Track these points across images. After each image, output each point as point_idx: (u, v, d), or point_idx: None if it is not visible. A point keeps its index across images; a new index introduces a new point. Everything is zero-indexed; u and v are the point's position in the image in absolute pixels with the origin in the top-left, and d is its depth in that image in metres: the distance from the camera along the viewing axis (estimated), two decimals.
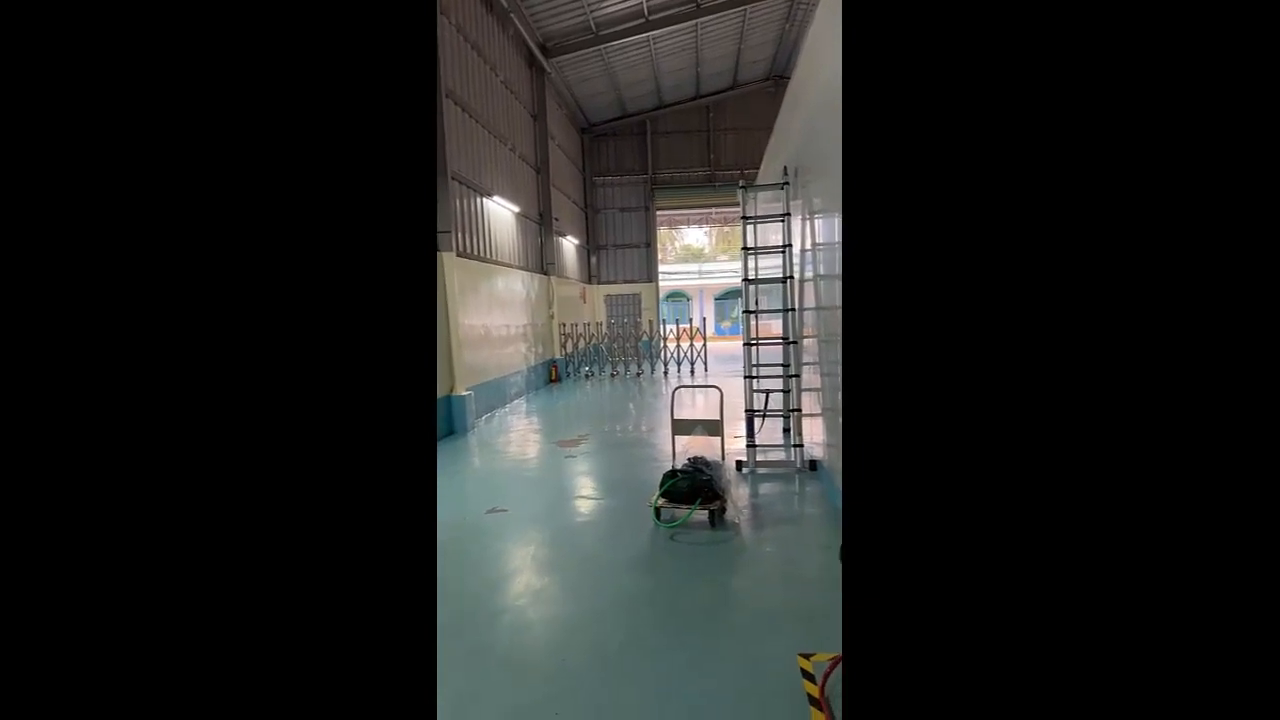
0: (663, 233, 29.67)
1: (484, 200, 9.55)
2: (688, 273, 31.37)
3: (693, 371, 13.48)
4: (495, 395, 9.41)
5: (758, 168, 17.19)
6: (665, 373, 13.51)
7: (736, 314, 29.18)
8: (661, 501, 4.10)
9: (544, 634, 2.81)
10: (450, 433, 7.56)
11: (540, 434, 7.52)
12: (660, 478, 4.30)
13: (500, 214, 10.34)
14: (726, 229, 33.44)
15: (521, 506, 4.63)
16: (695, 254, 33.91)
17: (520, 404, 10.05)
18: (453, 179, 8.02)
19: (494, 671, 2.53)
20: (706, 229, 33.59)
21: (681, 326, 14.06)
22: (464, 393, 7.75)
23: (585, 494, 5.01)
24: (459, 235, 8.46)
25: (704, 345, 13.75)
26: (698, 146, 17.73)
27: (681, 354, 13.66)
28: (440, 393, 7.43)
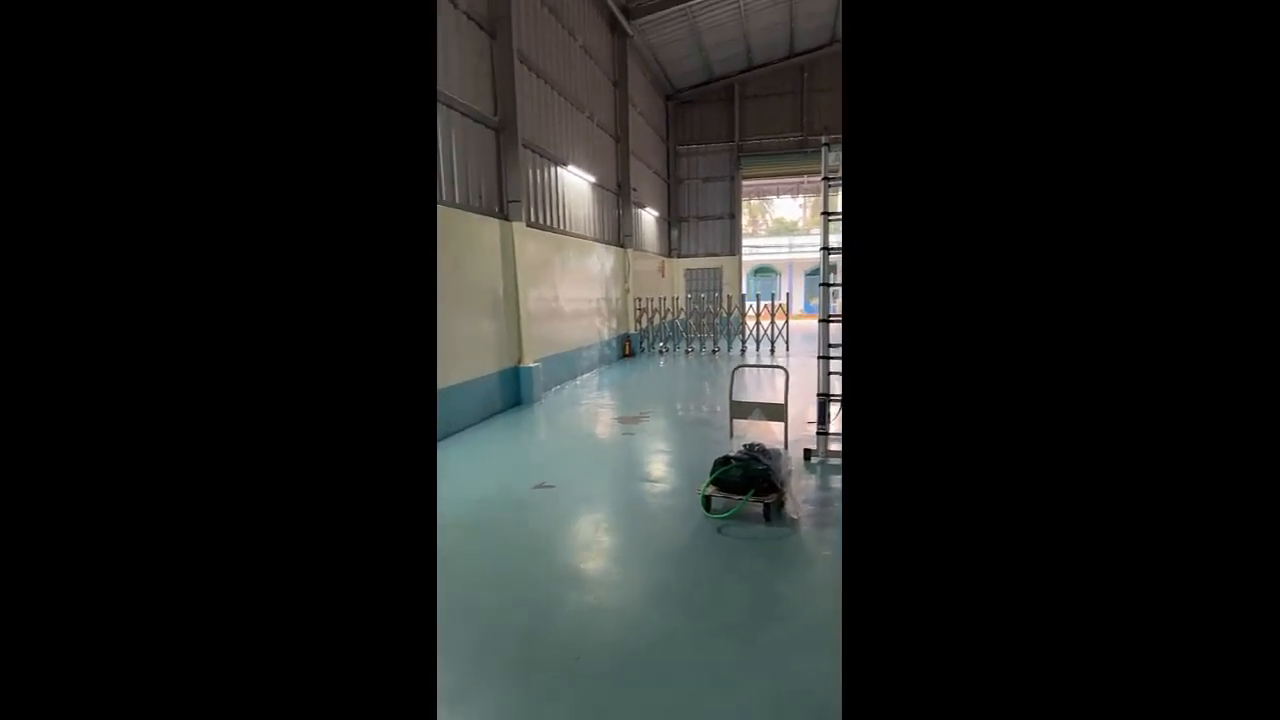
0: (753, 205, 28.47)
1: (558, 170, 9.41)
2: (777, 247, 29.89)
3: (772, 350, 12.80)
4: (565, 368, 9.39)
5: None
6: (743, 351, 12.94)
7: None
8: (712, 490, 3.76)
9: (560, 628, 2.61)
10: (517, 403, 7.61)
11: (604, 409, 7.38)
12: (712, 463, 3.96)
13: (575, 184, 10.18)
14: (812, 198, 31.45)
15: (570, 484, 4.48)
16: (788, 227, 32.24)
17: (591, 378, 9.99)
18: (524, 147, 7.92)
19: (492, 666, 2.36)
20: (800, 200, 31.83)
21: (765, 304, 13.32)
22: (532, 364, 7.75)
23: (636, 475, 4.77)
24: (530, 206, 8.39)
25: (786, 323, 12.98)
26: (789, 110, 16.58)
27: (761, 332, 12.99)
28: (508, 364, 7.47)
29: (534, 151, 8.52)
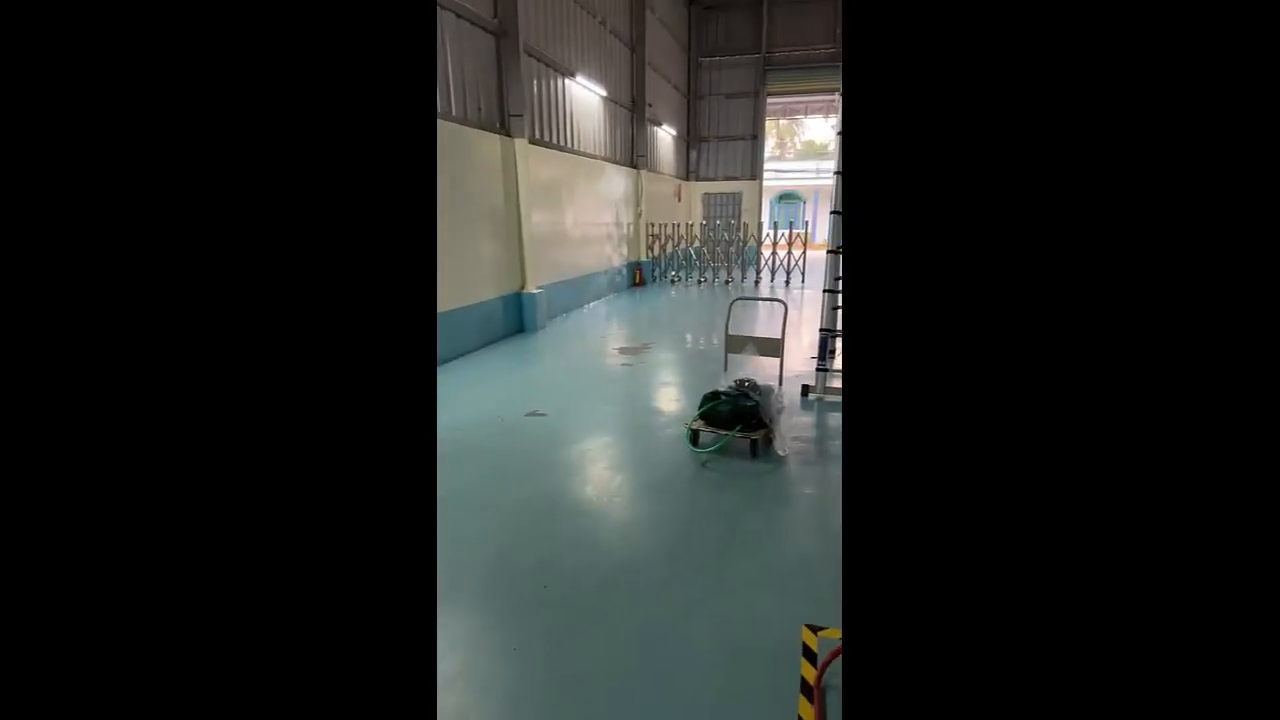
0: (781, 125, 26.74)
1: (565, 81, 8.81)
2: (804, 172, 28.33)
3: (788, 282, 12.42)
4: (572, 295, 9.24)
5: None
6: (757, 282, 12.59)
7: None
8: (699, 424, 3.71)
9: (530, 556, 2.64)
10: (519, 330, 7.55)
11: (607, 339, 7.29)
12: (700, 398, 3.88)
13: (584, 98, 9.57)
14: None
15: (562, 413, 4.47)
16: (818, 150, 30.36)
17: (598, 306, 9.84)
18: (526, 54, 7.37)
19: (461, 588, 2.40)
20: (833, 120, 29.88)
21: (793, 231, 12.68)
22: (535, 291, 7.61)
23: (630, 406, 4.73)
24: (534, 121, 7.92)
25: (804, 254, 12.49)
26: (823, 17, 15.14)
27: (778, 262, 12.55)
28: (511, 289, 7.34)
29: (538, 60, 7.94)
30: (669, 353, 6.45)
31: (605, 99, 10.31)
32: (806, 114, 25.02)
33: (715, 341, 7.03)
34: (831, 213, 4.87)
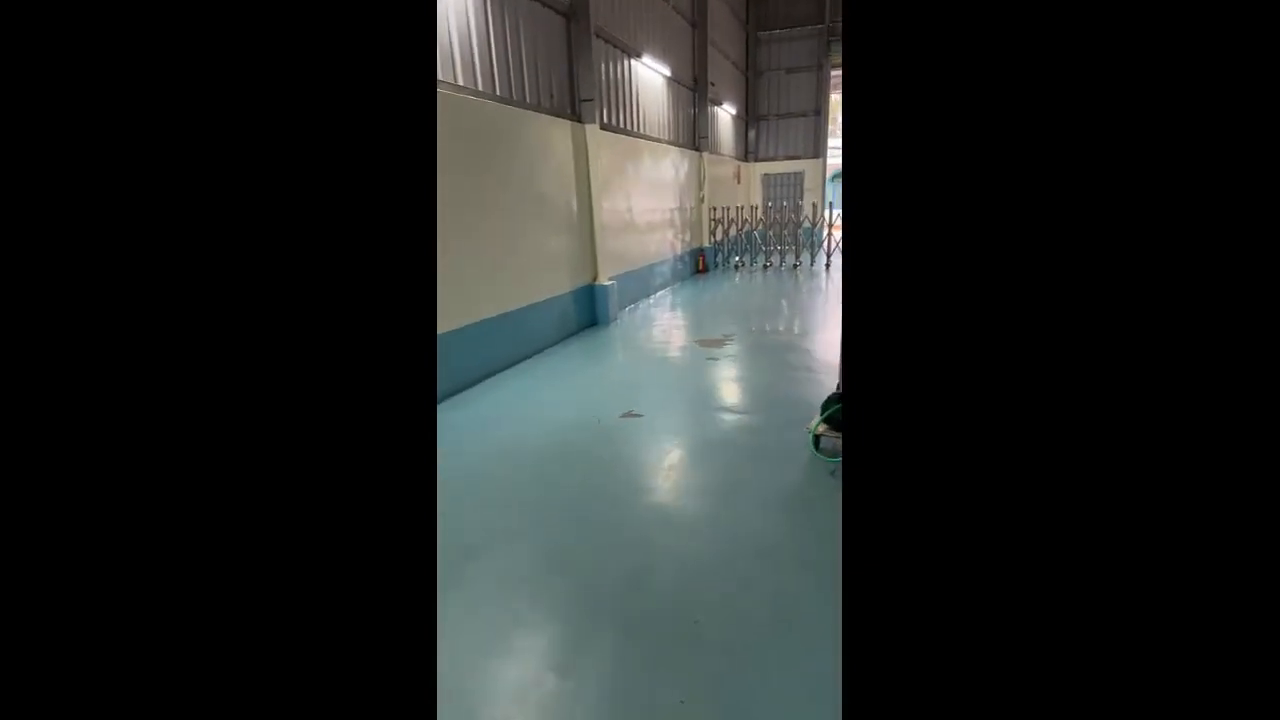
0: (833, 100, 25.48)
1: (632, 62, 8.48)
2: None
3: None
4: (639, 285, 8.99)
5: None
6: (828, 265, 11.99)
7: None
8: (823, 429, 3.38)
9: (666, 581, 2.40)
10: (593, 323, 7.35)
11: (683, 330, 7.00)
12: (823, 401, 3.55)
13: (649, 79, 9.21)
14: None
15: (658, 413, 4.23)
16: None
17: (664, 296, 9.55)
18: (596, 36, 7.07)
19: (593, 623, 2.19)
20: None
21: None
22: (606, 282, 7.39)
23: (727, 404, 4.44)
24: (603, 106, 7.64)
25: None
26: None
27: (833, 245, 11.89)
28: (583, 282, 7.14)
29: (606, 41, 7.64)
30: (751, 344, 6.10)
31: (669, 79, 9.91)
32: None
33: (797, 329, 6.64)
34: None
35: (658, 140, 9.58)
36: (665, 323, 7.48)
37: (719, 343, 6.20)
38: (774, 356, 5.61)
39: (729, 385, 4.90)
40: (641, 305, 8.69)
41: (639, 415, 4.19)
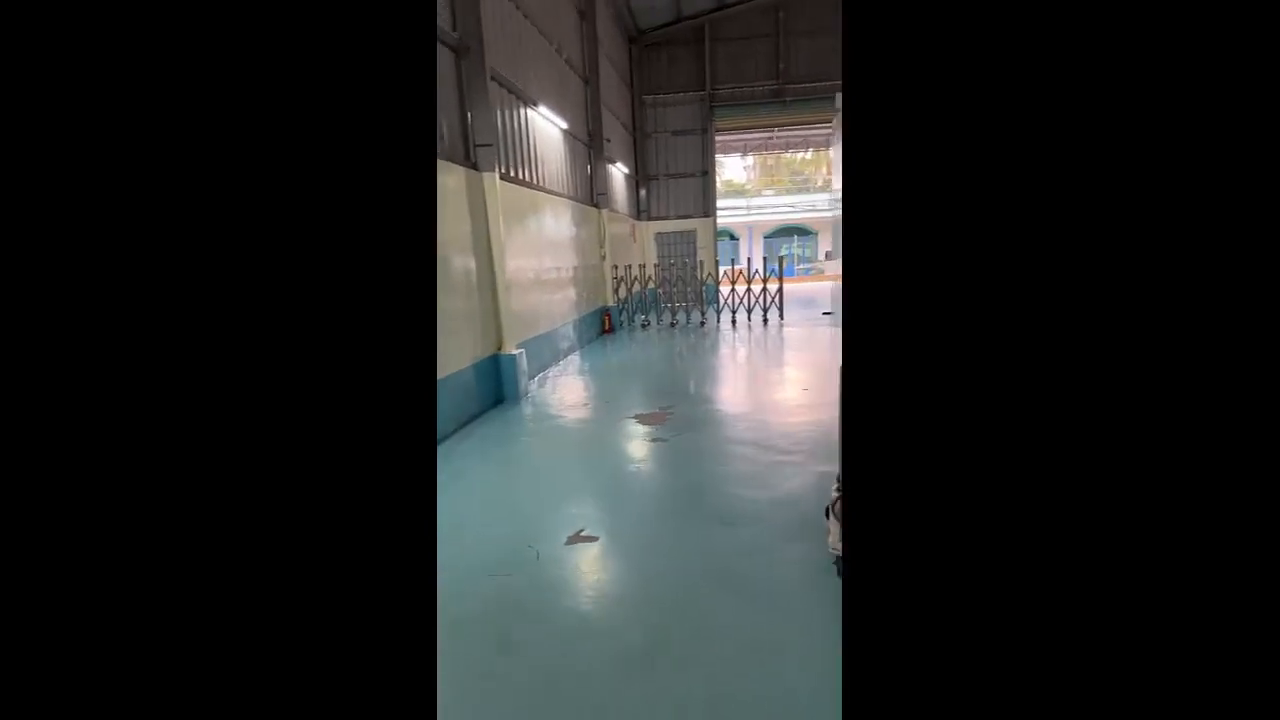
0: (719, 160, 27.02)
1: (529, 112, 7.77)
2: (735, 208, 28.73)
3: (765, 321, 11.74)
4: (546, 352, 7.98)
5: (832, 79, 14.65)
6: (734, 322, 11.83)
7: (785, 253, 26.60)
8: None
9: None
10: (499, 401, 6.18)
11: (609, 404, 6.06)
12: (828, 503, 2.78)
13: (547, 131, 8.55)
14: (781, 155, 30.63)
15: (616, 532, 3.21)
16: (737, 189, 31.08)
17: (573, 360, 8.61)
18: (492, 80, 6.27)
19: None
20: (749, 160, 30.73)
21: (736, 268, 12.29)
22: (514, 351, 6.31)
23: (704, 511, 3.49)
24: (503, 155, 6.78)
25: (780, 288, 11.90)
26: (765, 55, 15.17)
27: (738, 300, 11.84)
28: (486, 352, 6.00)
29: (503, 86, 6.87)
30: (698, 419, 5.32)
31: (566, 133, 9.35)
32: (744, 152, 25.36)
33: (742, 400, 5.99)
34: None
35: (557, 194, 8.87)
36: (587, 395, 6.50)
37: (660, 418, 5.34)
38: (731, 434, 4.84)
39: (695, 480, 3.99)
40: (552, 373, 7.65)
41: (592, 538, 3.14)
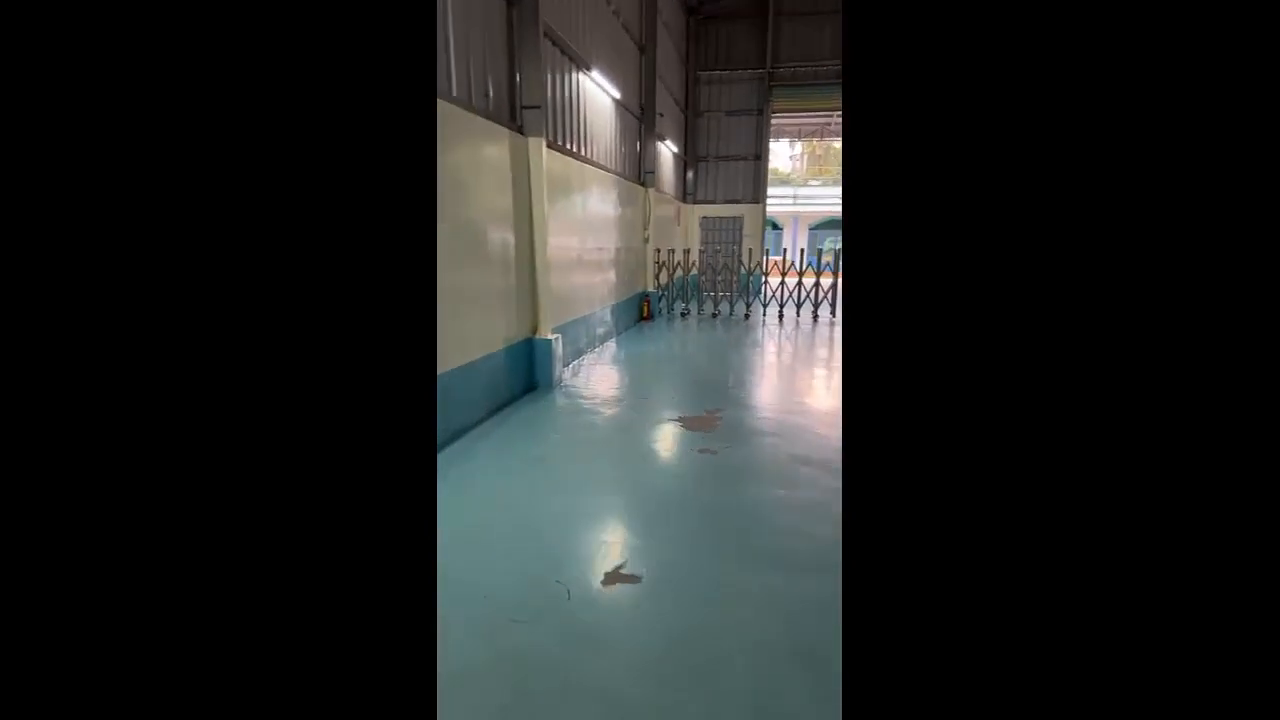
0: (773, 146, 25.94)
1: (581, 76, 7.17)
2: (780, 197, 27.57)
3: (815, 317, 10.99)
4: (583, 337, 7.47)
5: None
6: (781, 317, 11.11)
7: (827, 246, 25.34)
8: None
9: None
10: (531, 388, 5.71)
11: (650, 401, 5.52)
12: None
13: (599, 100, 7.94)
14: (833, 145, 29.27)
15: (662, 572, 2.67)
16: (783, 178, 29.82)
17: (609, 348, 8.09)
18: (545, 36, 5.69)
19: None
20: (797, 148, 29.47)
21: (776, 259, 11.59)
22: (549, 336, 5.81)
23: (768, 551, 2.92)
24: (551, 120, 6.22)
25: (835, 284, 11.09)
26: (830, 33, 14.14)
27: (787, 293, 11.06)
28: (521, 335, 5.52)
29: (556, 45, 6.28)
30: (751, 427, 4.73)
31: (618, 103, 8.72)
32: (800, 136, 24.21)
33: (798, 404, 5.35)
34: None
35: (604, 168, 8.27)
36: (623, 389, 5.97)
37: (708, 422, 4.77)
38: (792, 449, 4.25)
39: (754, 507, 3.39)
40: (587, 361, 7.15)
41: (634, 578, 2.62)
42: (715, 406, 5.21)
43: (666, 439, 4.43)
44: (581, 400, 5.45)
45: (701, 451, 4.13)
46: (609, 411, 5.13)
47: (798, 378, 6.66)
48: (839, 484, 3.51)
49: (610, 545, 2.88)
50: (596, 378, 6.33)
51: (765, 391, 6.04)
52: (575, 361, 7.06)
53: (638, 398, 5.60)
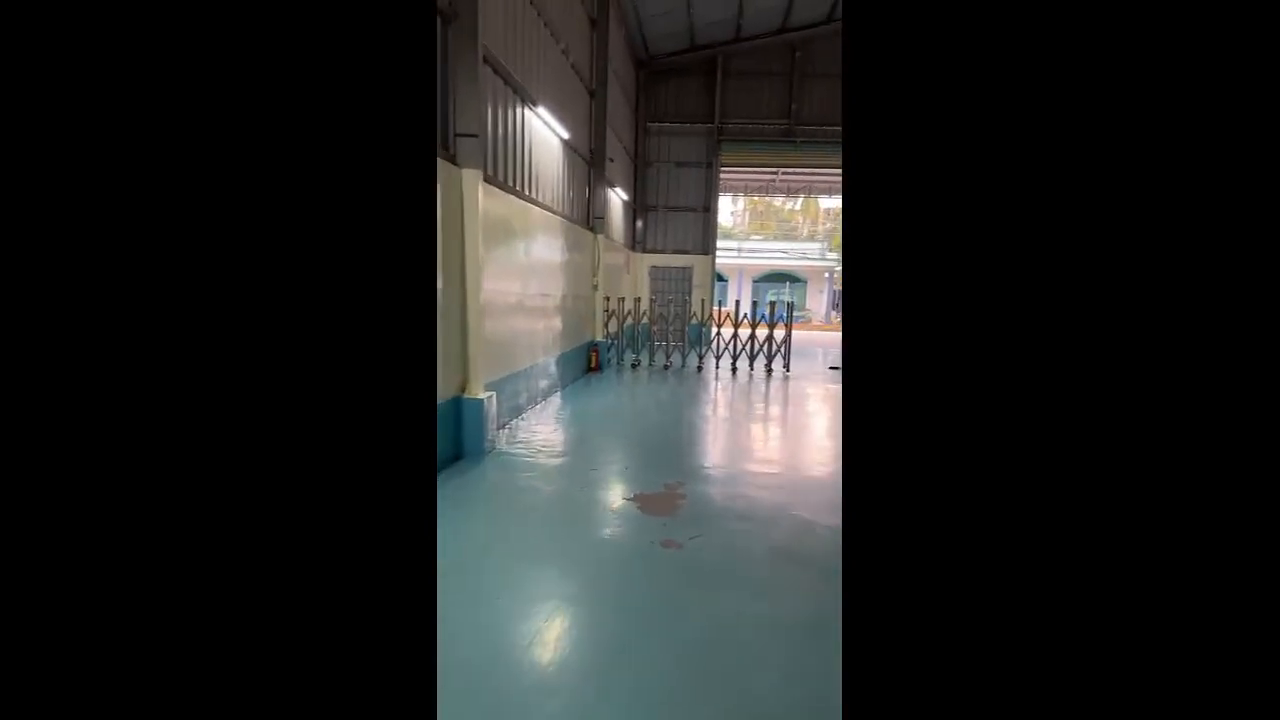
0: (721, 200, 26.50)
1: (526, 111, 6.63)
2: (725, 249, 28.03)
3: (769, 371, 10.60)
4: (522, 392, 6.64)
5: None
6: (734, 369, 10.65)
7: (774, 297, 25.84)
8: None
9: None
10: (457, 457, 4.79)
11: (598, 472, 4.72)
12: None
13: (545, 137, 7.43)
14: (772, 203, 30.40)
15: None
16: (726, 232, 30.62)
17: (554, 404, 7.27)
18: (485, 62, 5.12)
19: None
20: (739, 202, 30.43)
21: (724, 309, 11.40)
22: (481, 395, 4.96)
23: (768, 699, 2.20)
24: (491, 152, 5.58)
25: (787, 336, 10.79)
26: (777, 93, 14.54)
27: (740, 345, 10.68)
28: (446, 394, 4.65)
29: (498, 74, 5.73)
30: (721, 506, 4.01)
31: (566, 144, 8.25)
32: (745, 192, 24.80)
33: (774, 474, 4.67)
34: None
35: (553, 210, 7.68)
36: (568, 456, 5.15)
37: (669, 502, 4.01)
38: (772, 538, 3.54)
39: (739, 623, 2.67)
40: (527, 420, 6.29)
41: None
42: (676, 479, 4.47)
43: (620, 528, 3.63)
44: (518, 474, 4.58)
45: (665, 545, 3.35)
46: (549, 489, 4.29)
47: (763, 442, 6.05)
48: (835, 590, 2.80)
49: (539, 687, 2.03)
50: (538, 442, 5.49)
51: (730, 458, 5.36)
52: (514, 421, 6.20)
53: (585, 467, 4.78)
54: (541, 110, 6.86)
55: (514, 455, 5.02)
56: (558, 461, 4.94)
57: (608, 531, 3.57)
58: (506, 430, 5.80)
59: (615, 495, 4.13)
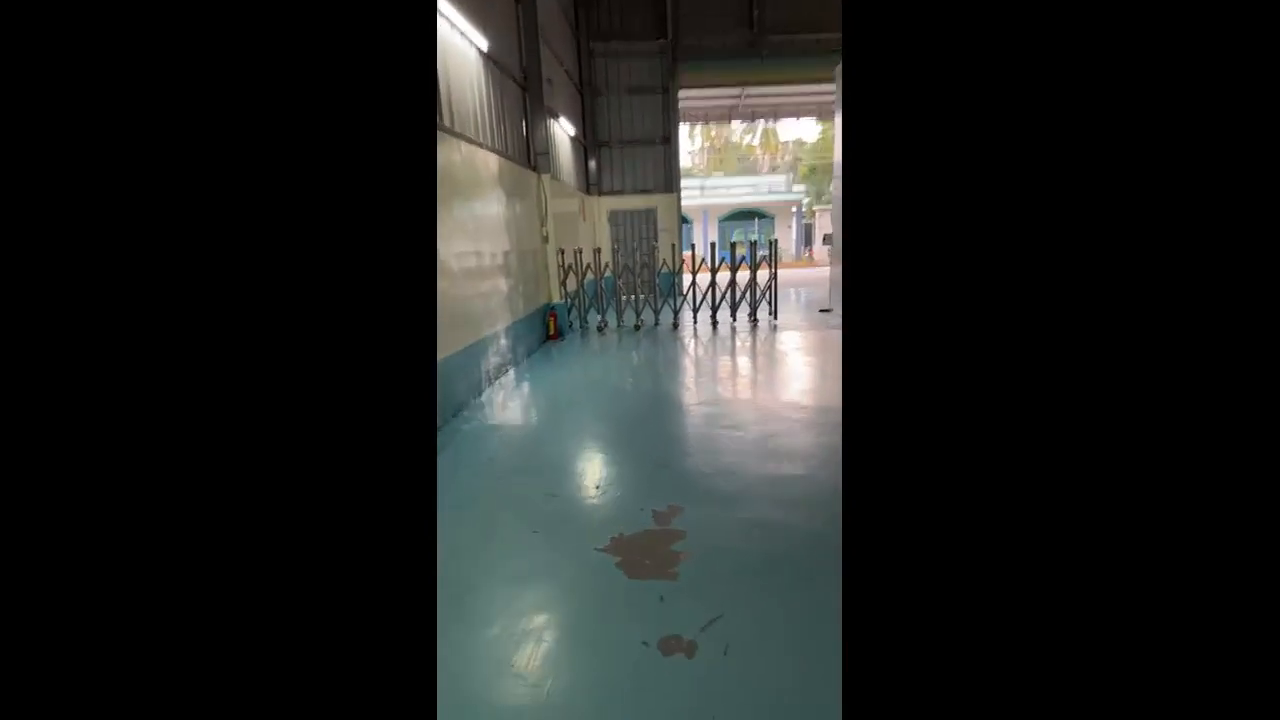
0: (683, 128, 24.46)
1: None
2: (688, 189, 26.25)
3: (755, 321, 9.36)
4: (461, 380, 5.26)
5: (818, 31, 12.49)
6: (714, 323, 9.38)
7: (740, 237, 24.42)
8: None
9: None
10: None
11: (558, 498, 3.45)
12: None
13: (456, 46, 5.73)
14: (739, 135, 28.45)
15: None
16: (685, 173, 28.80)
17: (505, 387, 5.93)
18: None
19: None
20: (697, 135, 28.48)
21: (685, 255, 10.09)
22: None
23: None
24: None
25: (772, 278, 9.49)
26: (737, 1, 12.66)
27: (719, 295, 9.37)
28: None
29: None
30: (741, 550, 2.80)
31: (487, 58, 6.53)
32: (706, 121, 22.83)
33: (811, 492, 3.47)
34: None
35: (479, 144, 6.07)
36: (521, 472, 3.84)
37: (661, 546, 2.76)
38: (826, 603, 2.36)
39: None
40: (471, 416, 4.95)
41: None
42: (668, 503, 3.23)
43: (593, 613, 2.39)
44: (458, 500, 3.28)
45: (664, 649, 2.12)
46: (490, 529, 3.01)
47: (779, 423, 4.84)
48: None
49: None
50: (483, 450, 4.17)
51: (737, 456, 4.13)
52: (456, 414, 4.86)
53: (543, 494, 3.49)
54: (447, 10, 5.16)
55: (457, 472, 3.70)
56: (505, 483, 3.64)
57: (573, 627, 2.33)
58: (441, 434, 4.46)
59: (583, 542, 2.88)
